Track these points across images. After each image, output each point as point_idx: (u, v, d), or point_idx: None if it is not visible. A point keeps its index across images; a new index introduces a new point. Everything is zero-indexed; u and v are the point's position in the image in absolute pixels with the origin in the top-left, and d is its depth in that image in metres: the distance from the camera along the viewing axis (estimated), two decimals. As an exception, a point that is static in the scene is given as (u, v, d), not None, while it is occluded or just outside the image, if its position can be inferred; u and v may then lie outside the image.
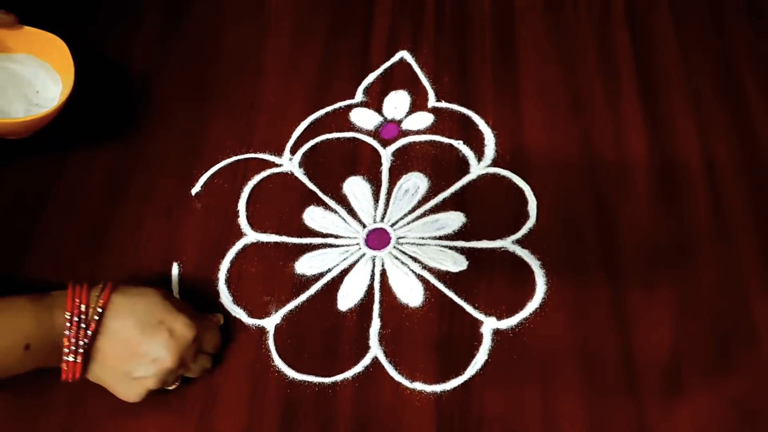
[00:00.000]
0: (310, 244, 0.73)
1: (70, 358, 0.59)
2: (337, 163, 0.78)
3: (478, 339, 0.67)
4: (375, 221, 0.74)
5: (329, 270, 0.71)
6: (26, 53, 0.76)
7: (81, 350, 0.59)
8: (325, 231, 0.74)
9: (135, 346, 0.60)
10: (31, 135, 0.73)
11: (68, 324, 0.59)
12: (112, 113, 0.82)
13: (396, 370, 0.66)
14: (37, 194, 0.76)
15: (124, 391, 0.62)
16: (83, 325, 0.59)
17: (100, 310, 0.60)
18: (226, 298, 0.70)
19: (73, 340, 0.59)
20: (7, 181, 0.77)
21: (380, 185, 0.76)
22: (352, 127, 0.80)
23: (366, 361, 0.66)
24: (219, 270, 0.72)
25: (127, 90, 0.83)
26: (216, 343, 0.66)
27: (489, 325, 0.68)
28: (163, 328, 0.61)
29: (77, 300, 0.60)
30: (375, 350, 0.67)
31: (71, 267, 0.72)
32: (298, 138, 0.80)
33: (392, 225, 0.74)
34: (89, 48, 0.86)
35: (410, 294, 0.70)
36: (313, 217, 0.75)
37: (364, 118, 0.81)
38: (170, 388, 0.64)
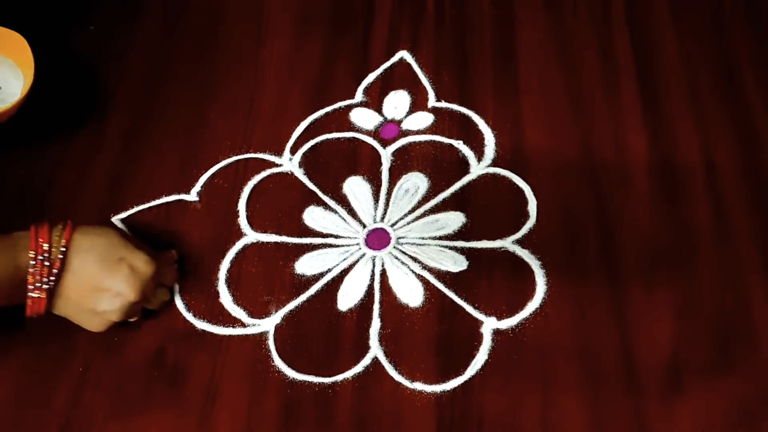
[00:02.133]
0: (310, 244, 0.73)
1: (35, 294, 0.61)
2: (337, 163, 0.78)
3: (478, 339, 0.67)
4: (375, 221, 0.74)
5: (329, 270, 0.71)
6: None
7: (45, 286, 0.61)
8: (325, 231, 0.74)
9: (98, 282, 0.63)
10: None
11: (32, 262, 0.61)
12: (110, 114, 0.82)
13: (396, 370, 0.66)
14: (39, 191, 0.76)
15: (88, 324, 0.65)
16: (47, 264, 0.61)
17: (63, 248, 0.62)
18: (226, 298, 0.70)
19: (37, 277, 0.61)
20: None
21: (380, 185, 0.76)
22: (352, 127, 0.80)
23: (366, 361, 0.66)
24: (219, 270, 0.72)
25: (125, 91, 0.83)
26: (173, 276, 0.70)
27: (489, 325, 0.68)
28: (125, 264, 0.63)
29: (41, 240, 0.61)
30: (375, 350, 0.67)
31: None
32: (298, 138, 0.80)
33: (392, 225, 0.74)
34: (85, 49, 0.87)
35: (410, 294, 0.70)
36: (313, 217, 0.75)
37: (364, 118, 0.81)
38: (132, 320, 0.67)
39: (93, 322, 0.65)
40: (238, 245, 0.73)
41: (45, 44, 0.79)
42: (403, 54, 0.85)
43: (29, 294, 0.61)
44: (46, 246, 0.61)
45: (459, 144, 0.78)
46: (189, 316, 0.69)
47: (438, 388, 0.65)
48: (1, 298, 0.61)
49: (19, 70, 0.78)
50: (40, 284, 0.61)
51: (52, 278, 0.61)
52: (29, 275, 0.61)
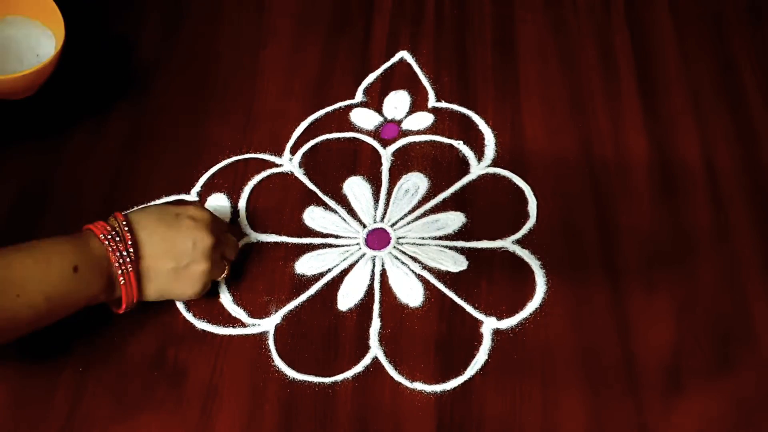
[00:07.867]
0: (310, 244, 0.73)
1: (125, 269, 0.61)
2: (337, 163, 0.78)
3: (478, 339, 0.67)
4: (375, 221, 0.74)
5: (329, 270, 0.71)
6: (14, 15, 0.80)
7: (129, 260, 0.61)
8: (325, 231, 0.74)
9: (171, 240, 0.63)
10: (34, 93, 0.78)
11: (106, 243, 0.61)
12: (110, 114, 0.82)
13: (396, 370, 0.66)
14: (38, 193, 0.76)
15: (184, 286, 0.65)
16: (118, 238, 0.62)
17: (124, 223, 0.62)
18: (226, 298, 0.70)
19: (117, 254, 0.61)
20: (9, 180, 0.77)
21: (380, 185, 0.76)
22: (352, 127, 0.80)
23: (366, 361, 0.66)
24: (219, 270, 0.72)
25: (126, 91, 0.83)
26: (235, 250, 0.70)
27: (489, 325, 0.68)
28: (183, 217, 0.65)
29: (99, 225, 0.62)
30: (375, 350, 0.67)
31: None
32: (298, 138, 0.80)
33: (392, 225, 0.74)
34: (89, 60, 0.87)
35: (410, 294, 0.70)
36: (313, 217, 0.75)
37: (364, 118, 0.81)
38: (221, 278, 0.68)
39: (187, 282, 0.65)
40: (238, 245, 0.73)
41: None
42: (403, 54, 0.85)
43: (119, 276, 0.61)
44: (108, 228, 0.62)
45: (459, 144, 0.78)
46: (189, 316, 0.69)
47: (438, 388, 0.65)
48: (88, 284, 0.60)
49: (48, 30, 0.80)
50: (121, 260, 0.61)
51: (130, 250, 0.61)
52: (109, 253, 0.61)
